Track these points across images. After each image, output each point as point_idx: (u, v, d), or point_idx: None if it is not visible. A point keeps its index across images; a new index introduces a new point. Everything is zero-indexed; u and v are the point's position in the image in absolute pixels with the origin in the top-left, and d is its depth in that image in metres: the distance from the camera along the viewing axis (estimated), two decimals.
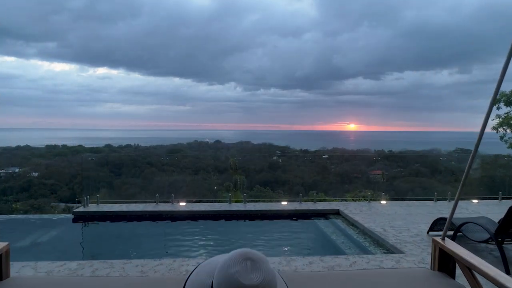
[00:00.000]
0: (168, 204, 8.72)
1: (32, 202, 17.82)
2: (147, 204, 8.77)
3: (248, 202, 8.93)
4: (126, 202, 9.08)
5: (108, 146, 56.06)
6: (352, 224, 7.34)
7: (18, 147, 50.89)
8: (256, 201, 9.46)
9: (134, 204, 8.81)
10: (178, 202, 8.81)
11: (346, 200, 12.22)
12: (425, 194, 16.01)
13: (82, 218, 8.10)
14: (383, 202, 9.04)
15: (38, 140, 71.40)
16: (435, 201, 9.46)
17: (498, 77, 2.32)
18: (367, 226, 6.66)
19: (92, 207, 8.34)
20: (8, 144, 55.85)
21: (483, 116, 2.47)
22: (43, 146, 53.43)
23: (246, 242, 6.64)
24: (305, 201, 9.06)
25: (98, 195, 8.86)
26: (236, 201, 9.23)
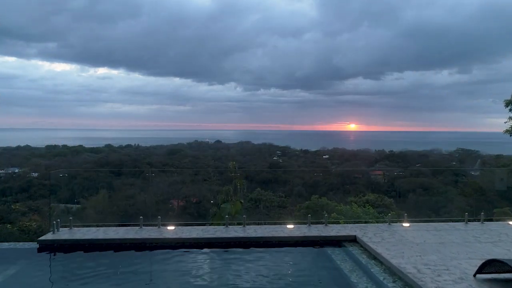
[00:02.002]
0: (154, 228, 7.51)
1: (31, 203, 17.72)
2: (129, 228, 7.59)
3: (248, 224, 7.77)
4: (104, 226, 7.83)
5: (108, 146, 56.13)
6: (374, 257, 6.30)
7: (18, 147, 50.99)
8: (257, 223, 8.66)
9: (113, 229, 7.66)
10: (166, 225, 7.62)
11: (350, 205, 11.84)
12: (426, 194, 15.90)
13: (49, 247, 6.72)
14: (406, 224, 8.22)
15: (38, 140, 71.01)
16: (466, 222, 8.08)
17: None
18: (395, 264, 5.64)
19: (63, 233, 7.20)
20: (8, 144, 55.81)
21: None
22: (43, 146, 53.49)
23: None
24: (314, 222, 8.32)
25: (71, 218, 7.76)
26: (235, 223, 8.51)
